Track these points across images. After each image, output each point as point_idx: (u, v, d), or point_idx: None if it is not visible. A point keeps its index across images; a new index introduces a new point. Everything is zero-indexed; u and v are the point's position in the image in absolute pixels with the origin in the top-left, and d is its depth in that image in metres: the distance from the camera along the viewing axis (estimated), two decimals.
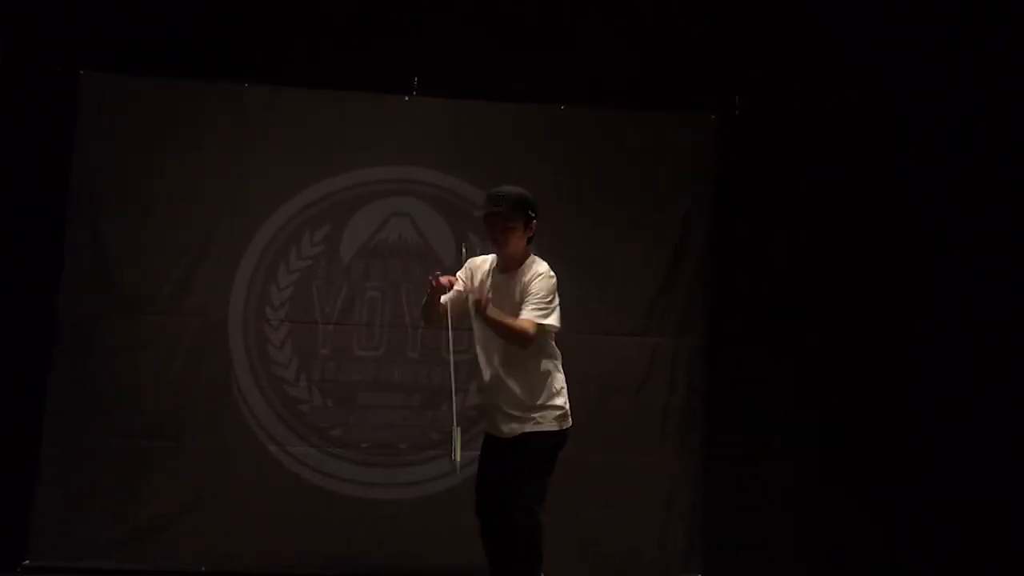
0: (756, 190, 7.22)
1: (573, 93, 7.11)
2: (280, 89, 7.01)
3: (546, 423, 5.10)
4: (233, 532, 6.73)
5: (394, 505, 6.85)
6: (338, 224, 7.01)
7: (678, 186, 7.18)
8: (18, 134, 6.77)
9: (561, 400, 5.17)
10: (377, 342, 6.98)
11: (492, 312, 4.99)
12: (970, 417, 6.94)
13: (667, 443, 7.03)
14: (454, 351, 5.14)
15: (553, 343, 5.21)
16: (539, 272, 5.10)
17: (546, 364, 5.16)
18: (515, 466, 5.06)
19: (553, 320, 5.06)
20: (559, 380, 5.20)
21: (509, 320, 5.03)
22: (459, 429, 5.03)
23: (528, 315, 5.01)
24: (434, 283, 5.01)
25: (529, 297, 5.04)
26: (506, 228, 5.11)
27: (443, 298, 5.12)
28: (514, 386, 5.12)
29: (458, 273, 5.29)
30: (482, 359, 5.22)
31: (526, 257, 5.19)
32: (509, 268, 5.17)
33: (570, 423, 5.19)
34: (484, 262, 5.28)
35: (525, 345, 5.02)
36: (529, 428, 5.09)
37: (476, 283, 5.22)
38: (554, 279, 5.11)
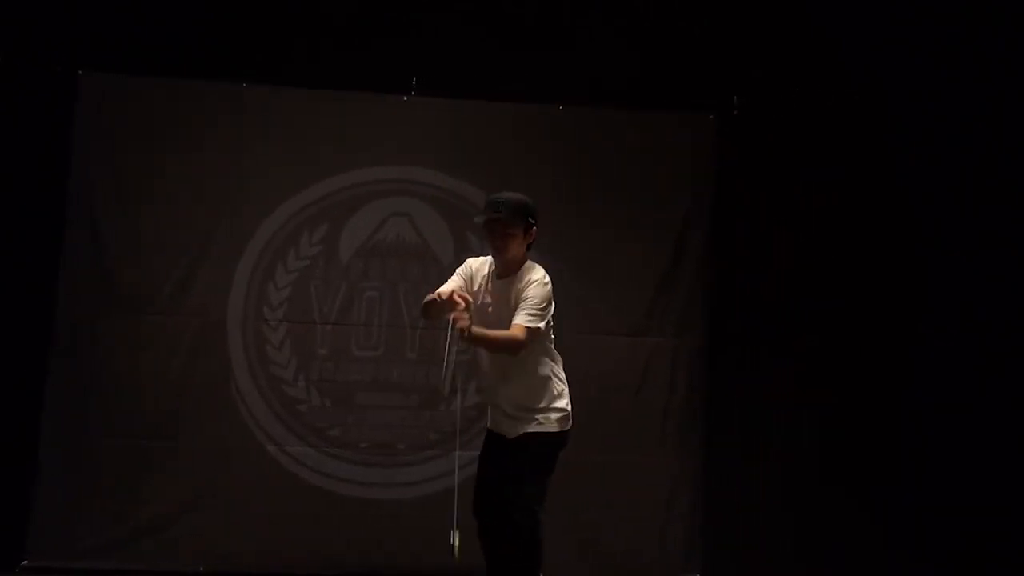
0: (756, 190, 7.22)
1: (573, 93, 7.11)
2: (280, 89, 7.00)
3: (548, 424, 5.11)
4: (232, 532, 6.73)
5: (393, 505, 6.84)
6: (337, 224, 7.00)
7: (678, 186, 7.17)
8: (17, 134, 6.77)
9: (563, 402, 5.17)
10: (375, 342, 6.98)
11: (476, 333, 4.95)
12: (970, 417, 6.93)
13: (667, 443, 7.02)
14: (457, 351, 5.14)
15: (552, 345, 5.22)
16: (534, 279, 5.08)
17: (546, 366, 5.17)
18: (516, 466, 5.06)
19: (542, 325, 5.05)
20: (560, 382, 5.20)
21: (493, 334, 5.02)
22: (458, 533, 5.11)
23: (519, 320, 4.99)
24: (450, 300, 4.92)
25: (523, 303, 5.03)
26: (506, 235, 5.10)
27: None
28: (515, 388, 5.12)
29: (458, 270, 5.28)
30: (483, 361, 5.23)
31: (524, 262, 5.18)
32: (507, 274, 5.16)
33: (571, 424, 5.19)
34: (483, 264, 5.27)
35: (515, 352, 5.02)
36: (531, 428, 5.10)
37: (475, 287, 5.21)
38: (549, 285, 5.10)
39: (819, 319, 7.16)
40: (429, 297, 5.06)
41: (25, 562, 6.58)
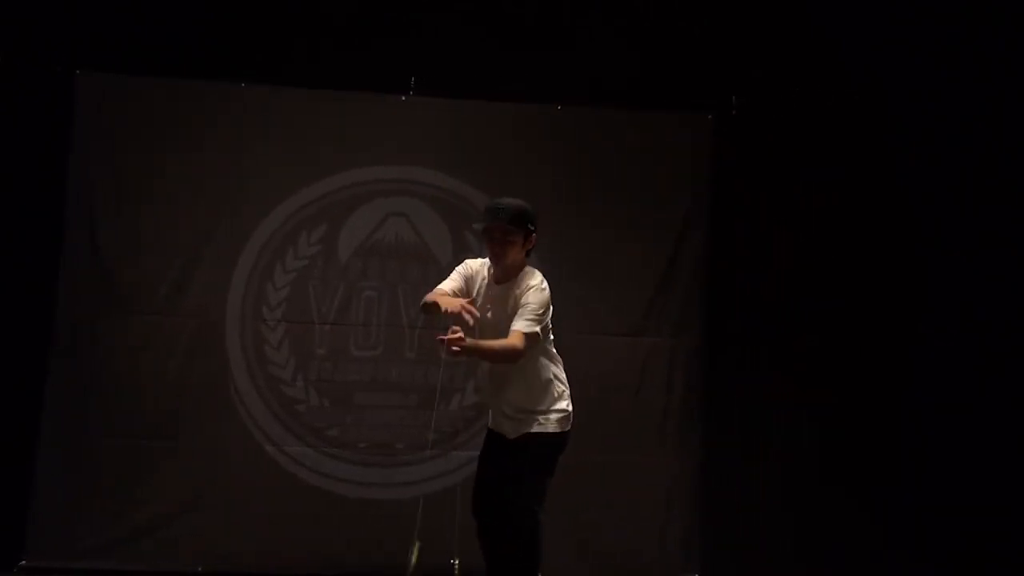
0: (756, 190, 7.22)
1: (572, 93, 7.10)
2: (279, 89, 7.00)
3: (549, 425, 5.11)
4: (231, 532, 6.73)
5: (392, 505, 6.82)
6: (335, 224, 7.00)
7: (677, 186, 7.17)
8: (16, 134, 6.77)
9: (564, 403, 5.17)
10: (374, 342, 6.97)
11: (471, 346, 4.95)
12: (970, 417, 6.92)
13: (666, 443, 7.02)
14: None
15: (553, 347, 5.21)
16: (531, 284, 5.08)
17: (547, 369, 5.17)
18: (515, 466, 5.06)
19: (539, 330, 5.04)
20: (561, 383, 5.20)
21: (489, 346, 5.02)
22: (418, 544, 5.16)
23: (518, 326, 4.98)
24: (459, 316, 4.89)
25: (522, 309, 5.02)
26: (505, 242, 5.09)
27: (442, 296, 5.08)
28: (515, 391, 5.13)
29: (458, 269, 5.27)
30: (483, 363, 5.24)
31: (522, 268, 5.17)
32: (505, 279, 5.16)
33: (571, 425, 5.19)
34: (482, 267, 5.25)
35: (514, 361, 5.01)
36: (532, 429, 5.10)
37: (474, 290, 5.20)
38: (547, 291, 5.09)
39: (819, 319, 7.15)
40: (432, 298, 5.02)
41: (23, 562, 6.57)
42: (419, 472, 6.87)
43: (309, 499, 6.81)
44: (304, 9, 7.08)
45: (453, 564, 5.42)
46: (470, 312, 4.87)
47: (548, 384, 5.15)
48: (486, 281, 5.21)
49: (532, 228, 5.13)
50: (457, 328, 4.85)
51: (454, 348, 4.83)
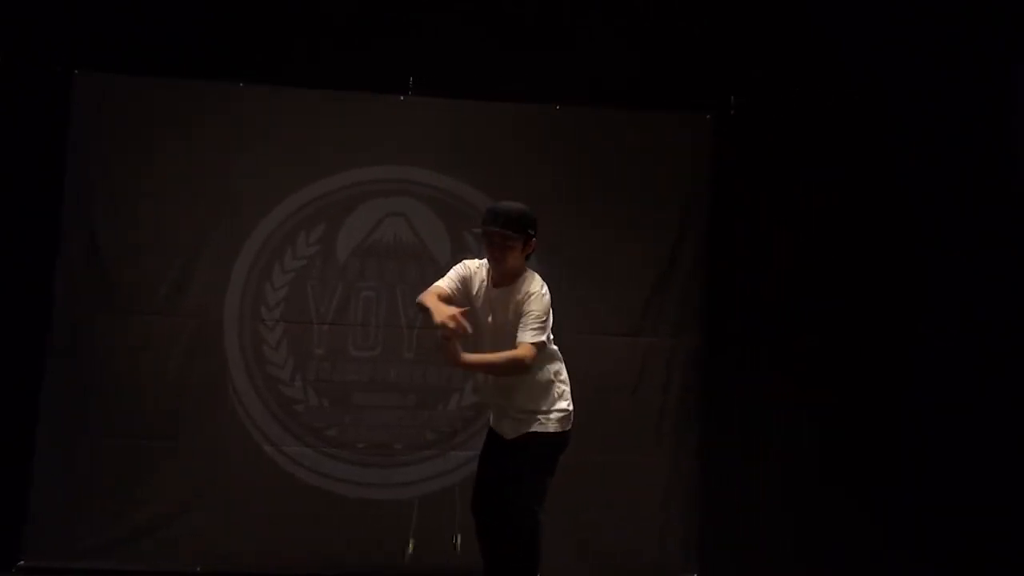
0: (755, 190, 7.21)
1: (571, 93, 7.10)
2: (278, 89, 6.99)
3: (550, 424, 5.11)
4: (229, 532, 6.72)
5: (391, 505, 6.82)
6: (334, 224, 6.99)
7: (677, 186, 7.17)
8: (15, 134, 6.76)
9: (565, 403, 5.18)
10: (372, 342, 6.97)
11: (470, 359, 4.98)
12: (970, 417, 6.91)
13: (664, 443, 7.02)
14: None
15: (553, 344, 5.20)
16: (532, 291, 5.07)
17: (547, 368, 5.16)
18: (515, 466, 5.06)
19: (544, 337, 5.05)
20: (562, 383, 5.20)
21: (492, 360, 5.04)
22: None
23: (524, 337, 4.99)
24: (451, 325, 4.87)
25: (524, 317, 5.02)
26: (504, 246, 5.08)
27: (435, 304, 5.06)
28: (516, 392, 5.12)
29: (455, 269, 5.26)
30: None
31: (522, 272, 5.16)
32: (504, 283, 5.15)
33: (572, 425, 5.19)
34: (481, 268, 5.24)
35: (523, 372, 5.02)
36: (532, 428, 5.09)
37: (473, 292, 5.19)
38: (548, 295, 5.10)
39: (819, 319, 7.15)
40: (426, 302, 5.00)
41: (22, 562, 6.57)
42: (417, 472, 6.88)
43: (308, 499, 6.80)
44: (303, 9, 7.07)
45: (455, 540, 5.38)
46: (460, 324, 4.84)
47: (549, 384, 5.15)
48: (485, 283, 5.20)
49: (532, 232, 5.12)
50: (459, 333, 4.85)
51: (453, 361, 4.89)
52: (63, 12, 6.85)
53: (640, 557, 6.91)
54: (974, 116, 7.10)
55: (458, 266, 5.28)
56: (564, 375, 5.23)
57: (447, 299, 5.07)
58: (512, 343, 5.03)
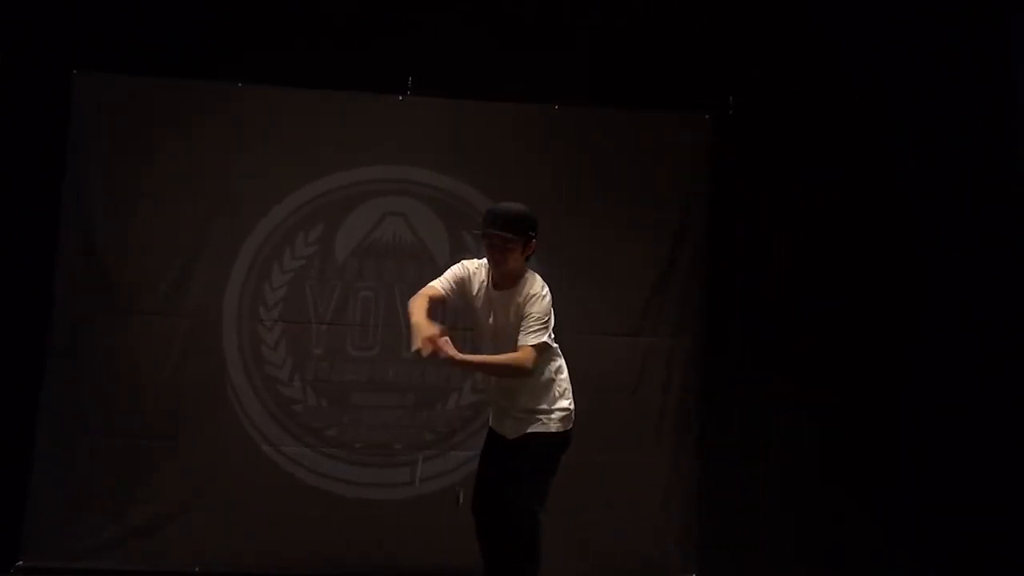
0: (754, 190, 7.21)
1: (571, 93, 7.09)
2: (277, 89, 6.99)
3: (551, 424, 5.11)
4: (228, 532, 6.71)
5: (391, 505, 6.82)
6: (332, 224, 6.98)
7: (676, 186, 7.16)
8: (14, 134, 6.76)
9: (566, 402, 5.18)
10: (371, 342, 6.96)
11: (468, 358, 4.99)
12: (970, 417, 6.90)
13: (664, 443, 7.01)
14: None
15: (555, 343, 5.20)
16: (532, 293, 5.07)
17: (548, 368, 5.16)
18: (516, 466, 5.06)
19: (546, 339, 5.05)
20: (563, 383, 5.20)
21: (493, 361, 5.05)
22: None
23: (525, 340, 4.99)
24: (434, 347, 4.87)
25: (526, 320, 5.03)
26: (505, 248, 5.07)
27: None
28: (519, 391, 5.13)
29: (453, 269, 5.26)
30: None
31: (522, 273, 5.15)
32: (505, 285, 5.14)
33: (573, 424, 5.19)
34: (480, 269, 5.23)
35: (525, 375, 5.02)
36: (533, 428, 5.10)
37: (473, 292, 5.19)
38: (548, 297, 5.10)
39: (819, 319, 7.14)
40: (412, 314, 4.99)
41: (20, 562, 6.56)
42: (417, 472, 6.86)
43: (308, 499, 6.79)
44: (303, 9, 7.06)
45: (458, 492, 5.37)
46: (436, 350, 4.82)
47: (550, 383, 5.15)
48: (485, 284, 5.20)
49: (532, 234, 5.11)
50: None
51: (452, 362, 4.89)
52: (63, 12, 6.84)
53: (640, 557, 6.91)
54: (974, 116, 7.09)
55: (456, 266, 5.27)
56: (565, 373, 5.23)
57: (440, 300, 5.09)
58: (513, 345, 5.03)
